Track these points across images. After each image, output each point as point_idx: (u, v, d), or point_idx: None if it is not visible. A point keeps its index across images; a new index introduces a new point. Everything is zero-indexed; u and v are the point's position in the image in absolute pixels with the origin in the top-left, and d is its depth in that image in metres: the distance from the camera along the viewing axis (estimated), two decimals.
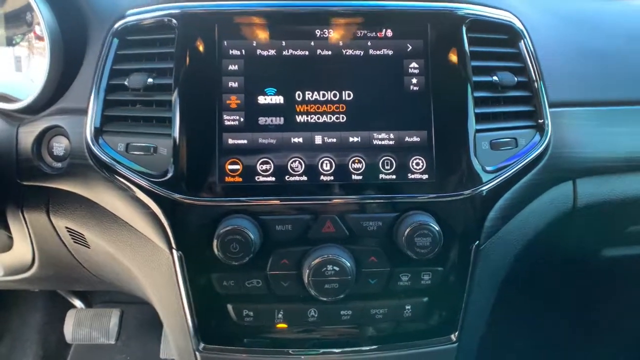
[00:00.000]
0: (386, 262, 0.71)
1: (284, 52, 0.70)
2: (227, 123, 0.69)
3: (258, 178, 0.69)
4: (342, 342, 0.74)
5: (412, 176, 0.70)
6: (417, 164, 0.70)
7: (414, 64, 0.71)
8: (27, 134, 0.74)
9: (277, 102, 0.70)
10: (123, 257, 0.77)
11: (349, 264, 0.68)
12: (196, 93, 0.69)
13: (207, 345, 0.74)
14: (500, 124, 0.73)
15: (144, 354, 1.60)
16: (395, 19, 0.71)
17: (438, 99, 0.70)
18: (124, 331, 1.51)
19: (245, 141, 0.69)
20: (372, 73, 0.71)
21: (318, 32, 0.71)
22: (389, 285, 0.71)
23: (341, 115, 0.70)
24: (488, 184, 0.71)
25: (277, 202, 0.69)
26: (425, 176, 0.70)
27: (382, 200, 0.69)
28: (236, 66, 0.70)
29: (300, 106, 0.70)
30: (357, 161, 0.69)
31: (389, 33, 0.71)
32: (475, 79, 0.72)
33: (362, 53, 0.71)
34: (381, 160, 0.70)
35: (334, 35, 0.71)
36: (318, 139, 0.70)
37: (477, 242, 0.73)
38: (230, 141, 0.69)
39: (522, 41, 0.76)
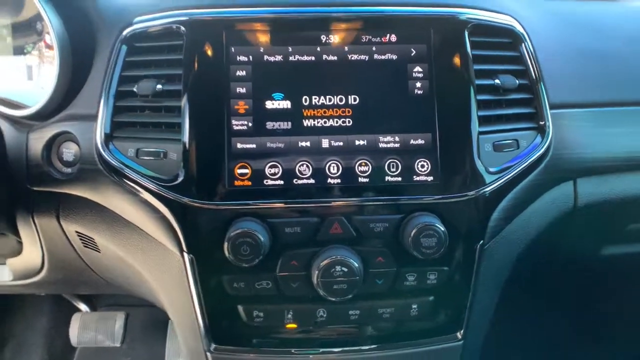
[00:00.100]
0: (393, 263, 0.72)
1: (291, 58, 0.72)
2: (235, 128, 0.70)
3: (267, 182, 0.70)
4: (351, 341, 0.76)
5: (418, 178, 0.71)
6: (422, 166, 0.71)
7: (417, 68, 0.72)
8: (37, 140, 0.76)
9: (285, 106, 0.71)
10: (133, 260, 0.79)
11: (356, 265, 0.69)
12: (205, 99, 0.71)
13: (218, 346, 0.75)
14: (502, 125, 0.75)
15: (149, 357, 1.61)
16: (399, 25, 0.73)
17: (442, 102, 0.72)
18: (128, 334, 1.52)
19: (253, 145, 0.70)
20: (377, 77, 0.72)
21: (324, 38, 0.72)
22: (396, 285, 0.73)
23: (347, 119, 0.71)
24: (491, 185, 0.73)
25: (286, 205, 0.70)
26: (430, 178, 0.71)
27: (388, 202, 0.71)
28: (244, 72, 0.71)
29: (307, 110, 0.71)
30: (363, 164, 0.71)
31: (393, 38, 0.73)
32: (477, 82, 0.73)
33: (367, 58, 0.72)
34: (387, 163, 0.71)
35: (340, 40, 0.72)
36: (325, 143, 0.71)
37: (482, 241, 0.74)
38: (239, 146, 0.70)
39: (522, 44, 0.77)
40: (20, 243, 0.90)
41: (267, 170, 0.70)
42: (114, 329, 1.54)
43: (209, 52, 0.71)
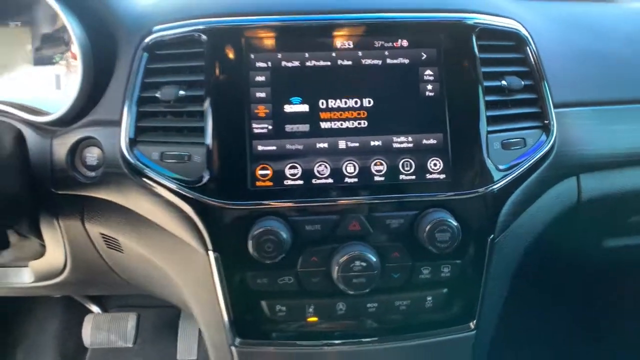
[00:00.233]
0: (408, 257, 0.75)
1: (307, 63, 0.75)
2: (256, 131, 0.73)
3: (287, 182, 0.73)
4: (369, 332, 0.78)
5: (430, 176, 0.74)
6: (435, 164, 0.75)
7: (428, 72, 0.76)
8: (61, 146, 0.78)
9: (303, 110, 0.74)
10: (158, 259, 0.81)
11: (374, 260, 0.72)
12: (226, 104, 0.74)
13: (243, 340, 0.78)
14: (509, 125, 0.78)
15: (160, 357, 1.63)
16: (410, 30, 0.76)
17: (452, 103, 0.75)
18: (140, 334, 1.55)
19: (274, 148, 0.73)
20: (390, 81, 0.75)
21: (338, 44, 0.75)
22: (411, 279, 0.76)
23: (362, 121, 0.75)
24: (501, 182, 0.76)
25: (306, 203, 0.73)
26: (442, 176, 0.74)
27: (403, 199, 0.74)
28: (263, 77, 0.74)
29: (324, 113, 0.74)
30: (378, 163, 0.74)
31: (405, 43, 0.76)
32: (485, 83, 0.77)
33: (380, 62, 0.75)
34: (401, 162, 0.74)
35: (354, 46, 0.75)
36: (342, 144, 0.74)
37: (492, 236, 0.77)
38: (260, 148, 0.73)
39: (527, 47, 0.81)
40: (43, 246, 0.92)
41: (287, 171, 0.73)
42: (126, 329, 1.57)
43: (229, 59, 0.74)
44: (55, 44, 0.80)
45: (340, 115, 0.75)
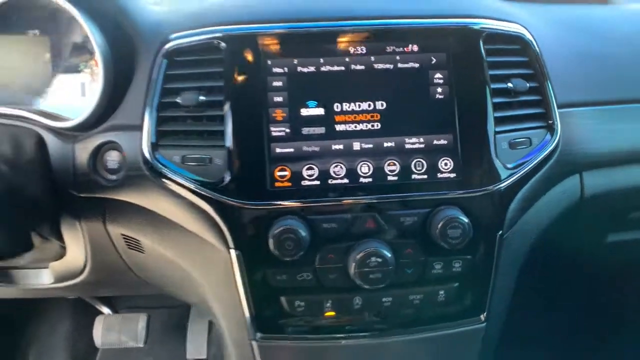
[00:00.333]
0: (421, 253, 0.78)
1: (322, 68, 0.78)
2: (274, 134, 0.77)
3: (304, 182, 0.76)
4: (384, 326, 0.81)
5: (442, 175, 0.78)
6: (446, 164, 0.78)
7: (438, 75, 0.79)
8: (83, 150, 0.80)
9: (318, 113, 0.77)
10: (179, 258, 0.84)
11: (389, 256, 0.75)
12: (245, 108, 0.77)
13: (263, 335, 0.81)
14: (515, 125, 0.81)
15: (169, 356, 1.66)
16: (420, 36, 0.79)
17: (461, 105, 0.79)
18: (149, 335, 1.58)
19: (291, 150, 0.76)
20: (402, 84, 0.79)
21: (352, 49, 0.78)
22: (424, 274, 0.79)
23: (376, 123, 0.78)
24: (508, 180, 0.79)
25: (323, 203, 0.76)
26: (453, 175, 0.78)
27: (415, 198, 0.77)
28: (280, 82, 0.77)
29: (339, 116, 0.78)
30: (392, 164, 0.77)
31: (415, 48, 0.79)
32: (492, 86, 0.80)
33: (391, 67, 0.78)
34: (413, 162, 0.78)
35: (366, 51, 0.78)
36: (356, 145, 0.77)
37: (501, 231, 0.81)
38: (278, 150, 0.76)
39: (531, 50, 0.84)
40: (63, 247, 0.95)
41: (305, 172, 0.76)
42: (136, 329, 1.59)
43: (247, 65, 0.77)
44: (80, 53, 0.83)
45: (355, 117, 0.78)
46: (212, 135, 0.77)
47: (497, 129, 0.79)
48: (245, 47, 0.77)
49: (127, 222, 0.86)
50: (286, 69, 0.77)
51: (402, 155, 0.78)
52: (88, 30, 0.79)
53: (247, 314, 0.80)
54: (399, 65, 0.79)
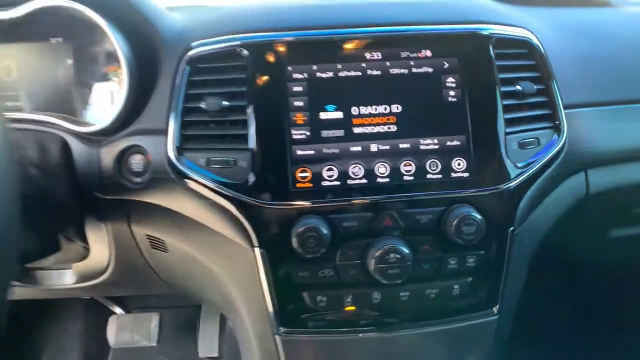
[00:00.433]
0: (437, 249, 0.82)
1: (340, 74, 0.81)
2: (295, 137, 0.80)
3: (325, 183, 0.79)
4: (401, 319, 0.85)
5: (455, 175, 0.81)
6: (459, 164, 0.81)
7: (450, 79, 0.83)
8: (108, 154, 0.83)
9: (337, 117, 0.81)
10: (204, 257, 0.87)
11: (407, 252, 0.79)
12: (267, 113, 0.80)
13: (286, 329, 0.84)
14: (524, 126, 0.85)
15: (181, 355, 1.69)
16: (433, 41, 0.83)
17: (473, 108, 0.82)
18: (160, 334, 1.61)
19: (312, 152, 0.80)
20: (416, 88, 0.82)
21: (368, 55, 0.82)
22: (440, 269, 0.82)
23: (392, 126, 0.81)
24: (519, 178, 0.83)
25: (343, 202, 0.79)
26: (466, 174, 0.81)
27: (431, 196, 0.81)
28: (300, 88, 0.80)
29: (356, 119, 0.81)
30: (407, 164, 0.81)
31: (428, 53, 0.83)
32: (502, 89, 0.84)
33: (406, 71, 0.82)
34: (428, 162, 0.81)
35: (382, 57, 0.82)
36: (374, 147, 0.81)
37: (512, 228, 0.84)
38: (299, 152, 0.80)
39: (538, 53, 0.88)
40: (86, 249, 0.98)
41: (325, 173, 0.80)
42: (149, 329, 1.63)
43: (269, 72, 0.80)
44: (110, 62, 0.86)
45: (372, 120, 0.81)
46: (235, 138, 0.80)
47: (507, 130, 0.83)
48: (267, 54, 0.81)
49: (151, 223, 0.89)
50: (306, 75, 0.81)
51: (417, 156, 0.81)
52: (113, 38, 0.82)
53: (270, 309, 0.82)
54: (413, 70, 0.82)
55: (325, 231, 0.77)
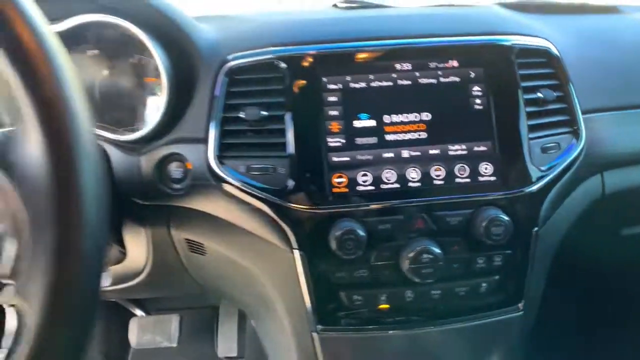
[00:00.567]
0: (466, 249, 0.86)
1: (372, 84, 0.85)
2: (331, 144, 0.84)
3: (360, 188, 0.84)
4: (433, 316, 0.89)
5: (483, 179, 0.85)
6: (486, 168, 0.86)
7: (476, 88, 0.87)
8: (147, 162, 0.87)
9: (370, 125, 0.85)
10: (243, 259, 0.91)
11: (439, 252, 0.83)
12: (305, 122, 0.84)
13: (323, 327, 0.88)
14: (546, 132, 0.89)
15: (199, 355, 1.72)
16: (459, 52, 0.87)
17: (498, 115, 0.86)
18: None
19: (347, 158, 0.84)
20: (444, 97, 0.86)
21: (398, 66, 0.86)
22: (469, 268, 0.86)
23: (422, 133, 0.85)
24: (542, 181, 0.87)
25: (377, 206, 0.83)
26: (493, 178, 0.85)
27: (460, 199, 0.85)
28: (335, 97, 0.85)
29: (388, 127, 0.85)
30: (437, 169, 0.85)
31: (455, 64, 0.87)
32: (525, 96, 0.88)
33: (435, 81, 0.86)
34: (457, 167, 0.85)
35: (412, 67, 0.86)
36: (405, 153, 0.85)
37: (536, 228, 0.89)
38: (335, 159, 0.84)
39: (557, 62, 0.92)
40: (123, 253, 1.01)
41: (360, 178, 0.84)
42: (170, 330, 1.67)
43: (305, 83, 0.84)
44: (135, 70, 0.89)
45: (403, 128, 0.85)
46: (274, 146, 0.84)
47: (531, 136, 0.87)
48: (303, 66, 0.85)
49: (191, 227, 0.92)
50: (340, 85, 0.85)
51: (446, 161, 0.85)
52: (154, 51, 0.86)
53: (309, 308, 0.86)
54: (441, 79, 0.86)
55: (362, 233, 0.81)
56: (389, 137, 0.85)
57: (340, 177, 0.84)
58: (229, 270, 0.96)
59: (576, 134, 0.92)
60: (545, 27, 1.00)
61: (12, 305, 0.51)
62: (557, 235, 0.96)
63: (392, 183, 0.84)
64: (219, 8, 1.29)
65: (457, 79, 0.87)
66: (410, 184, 0.85)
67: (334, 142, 0.84)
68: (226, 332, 1.69)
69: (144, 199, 0.89)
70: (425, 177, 0.85)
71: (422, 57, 0.87)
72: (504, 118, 0.87)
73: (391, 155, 0.85)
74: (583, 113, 0.93)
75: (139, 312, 1.71)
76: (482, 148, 0.86)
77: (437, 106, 0.86)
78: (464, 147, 0.86)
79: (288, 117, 0.84)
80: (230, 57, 0.87)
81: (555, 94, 0.91)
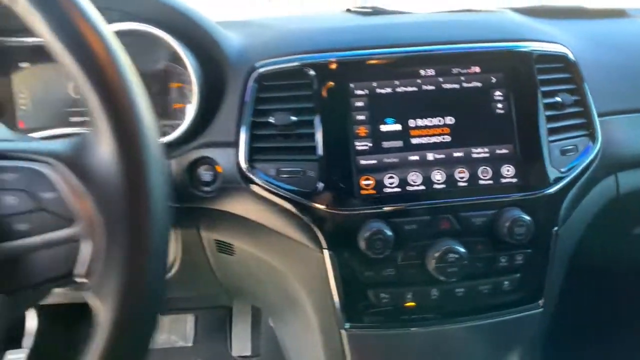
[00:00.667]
0: (490, 249, 0.88)
1: (397, 89, 0.88)
2: (358, 148, 0.87)
3: (387, 190, 0.86)
4: (456, 313, 0.92)
5: (505, 180, 0.88)
6: (508, 170, 0.89)
7: (498, 92, 0.90)
8: (178, 165, 0.89)
9: (396, 129, 0.88)
10: (272, 259, 0.93)
11: (464, 251, 0.86)
12: (333, 126, 0.86)
13: (351, 324, 0.91)
14: (564, 135, 0.92)
15: (213, 353, 1.75)
16: (481, 58, 0.90)
17: (519, 119, 0.89)
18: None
19: (374, 161, 0.87)
20: (467, 101, 0.89)
21: (422, 72, 0.89)
22: (492, 266, 0.89)
23: (446, 136, 0.88)
24: (561, 182, 0.90)
25: (404, 207, 0.86)
26: (515, 180, 0.89)
27: (483, 201, 0.87)
28: (362, 103, 0.87)
29: (413, 131, 0.88)
30: (461, 171, 0.88)
31: (477, 69, 0.90)
32: (544, 101, 0.91)
33: (458, 86, 0.89)
34: (480, 169, 0.88)
35: (435, 73, 0.89)
36: (430, 156, 0.88)
37: (556, 227, 0.92)
38: (363, 162, 0.87)
39: (573, 67, 0.95)
40: None
41: (386, 181, 0.87)
42: (185, 330, 1.70)
43: (333, 88, 0.87)
44: (166, 76, 0.92)
45: (427, 132, 0.88)
46: (303, 150, 0.87)
47: (550, 138, 0.91)
48: (331, 72, 0.87)
49: (221, 228, 0.95)
50: (367, 91, 0.88)
51: (470, 163, 0.88)
52: (185, 58, 0.88)
53: (337, 306, 0.89)
54: (464, 84, 0.89)
55: (389, 234, 0.84)
56: (414, 141, 0.88)
57: (367, 179, 0.87)
58: (257, 269, 0.99)
59: (592, 136, 0.95)
60: (560, 32, 1.03)
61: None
62: (575, 235, 0.99)
63: (417, 185, 0.87)
64: (219, 8, 1.32)
65: (479, 84, 0.90)
66: (436, 186, 0.88)
67: (361, 145, 0.87)
68: (240, 331, 1.72)
69: (174, 201, 0.91)
70: (450, 179, 0.88)
71: (446, 63, 0.90)
72: (525, 122, 0.90)
73: (416, 158, 0.88)
74: (599, 116, 0.96)
75: None
76: (504, 151, 0.89)
77: (461, 110, 0.89)
78: (486, 150, 0.89)
79: (317, 121, 0.87)
80: (258, 64, 0.90)
81: (572, 98, 0.94)
